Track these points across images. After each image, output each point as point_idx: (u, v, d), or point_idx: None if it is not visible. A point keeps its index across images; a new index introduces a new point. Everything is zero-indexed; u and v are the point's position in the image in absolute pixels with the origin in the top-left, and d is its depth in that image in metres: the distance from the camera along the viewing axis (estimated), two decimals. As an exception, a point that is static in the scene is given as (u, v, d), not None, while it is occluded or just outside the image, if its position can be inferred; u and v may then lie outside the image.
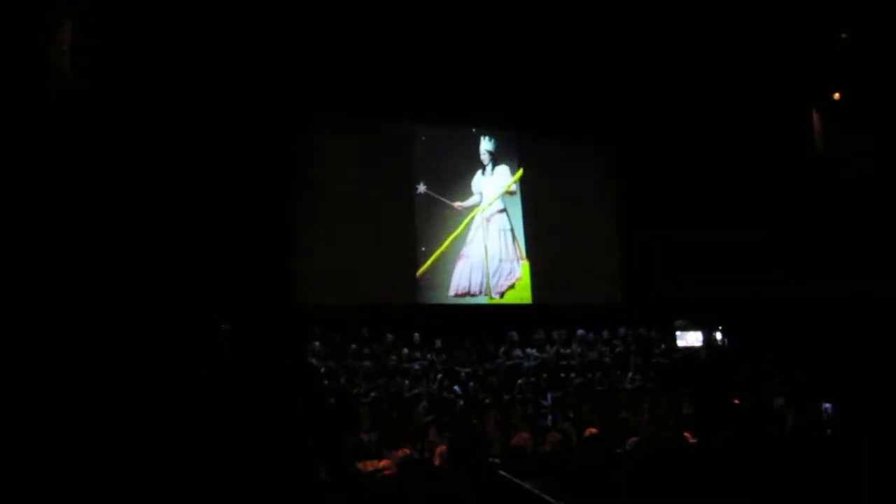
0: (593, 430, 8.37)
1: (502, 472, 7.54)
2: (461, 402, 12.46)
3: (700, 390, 12.38)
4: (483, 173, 15.83)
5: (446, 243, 15.34)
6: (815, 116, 15.69)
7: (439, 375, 13.16)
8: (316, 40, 13.52)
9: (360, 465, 8.97)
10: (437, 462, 9.53)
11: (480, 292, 15.46)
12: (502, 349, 14.10)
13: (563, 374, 13.68)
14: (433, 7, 13.18)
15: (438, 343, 13.88)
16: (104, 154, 11.31)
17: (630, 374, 13.85)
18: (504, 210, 15.89)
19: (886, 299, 13.86)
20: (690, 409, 11.90)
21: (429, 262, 15.21)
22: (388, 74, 14.23)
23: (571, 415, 12.13)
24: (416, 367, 13.26)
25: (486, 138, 15.84)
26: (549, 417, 12.27)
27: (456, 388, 13.04)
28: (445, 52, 14.09)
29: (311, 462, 8.65)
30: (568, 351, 14.40)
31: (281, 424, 9.00)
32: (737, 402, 11.96)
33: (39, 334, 9.25)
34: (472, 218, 15.61)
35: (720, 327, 14.48)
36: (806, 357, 13.41)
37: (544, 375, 13.49)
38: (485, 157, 15.82)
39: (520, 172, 15.96)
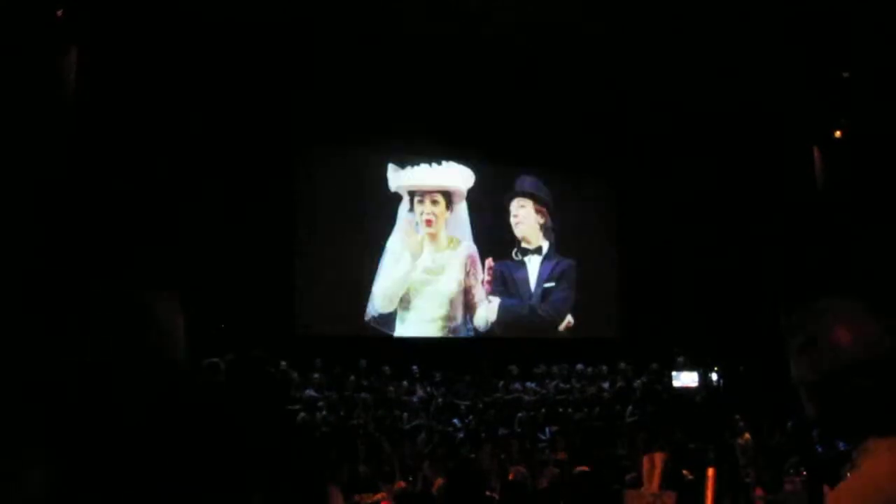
0: (584, 468, 8.31)
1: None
2: (460, 436, 12.46)
3: (696, 429, 12.35)
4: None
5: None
6: (817, 154, 15.73)
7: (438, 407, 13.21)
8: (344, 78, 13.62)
9: (356, 498, 8.96)
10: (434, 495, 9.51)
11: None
12: (501, 383, 14.12)
13: (561, 409, 13.69)
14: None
15: (438, 376, 13.91)
16: (106, 183, 11.38)
17: (629, 409, 13.85)
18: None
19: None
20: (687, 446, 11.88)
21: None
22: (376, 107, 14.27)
23: (568, 450, 12.11)
24: (415, 399, 13.28)
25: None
26: (548, 451, 12.26)
27: (455, 420, 13.05)
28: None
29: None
30: (567, 386, 14.41)
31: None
32: (747, 436, 11.94)
33: (29, 354, 9.22)
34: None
35: (716, 368, 14.45)
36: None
37: (543, 410, 13.49)
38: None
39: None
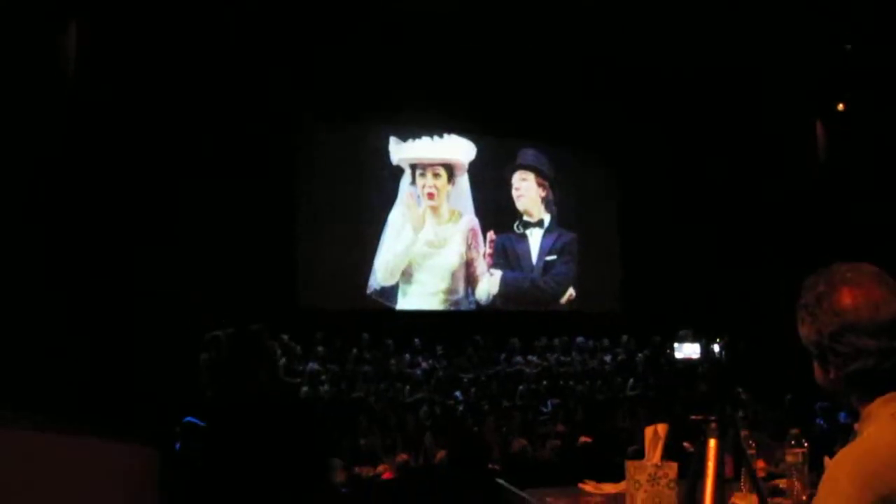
0: (587, 439, 8.35)
1: (500, 481, 7.56)
2: (461, 409, 12.51)
3: (697, 401, 12.38)
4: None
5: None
6: (819, 127, 15.69)
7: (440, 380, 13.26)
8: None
9: (358, 470, 9.02)
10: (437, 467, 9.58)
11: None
12: (503, 356, 14.16)
13: (563, 382, 13.73)
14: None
15: (440, 349, 13.94)
16: (107, 159, 11.37)
17: (630, 382, 13.89)
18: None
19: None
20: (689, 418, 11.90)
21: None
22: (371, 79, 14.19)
23: (569, 423, 12.16)
24: (418, 372, 13.33)
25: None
26: (549, 424, 12.31)
27: (457, 393, 13.09)
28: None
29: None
30: (569, 358, 14.45)
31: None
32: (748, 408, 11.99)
33: (37, 339, 9.27)
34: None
35: (718, 339, 14.44)
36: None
37: (544, 383, 13.54)
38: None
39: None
